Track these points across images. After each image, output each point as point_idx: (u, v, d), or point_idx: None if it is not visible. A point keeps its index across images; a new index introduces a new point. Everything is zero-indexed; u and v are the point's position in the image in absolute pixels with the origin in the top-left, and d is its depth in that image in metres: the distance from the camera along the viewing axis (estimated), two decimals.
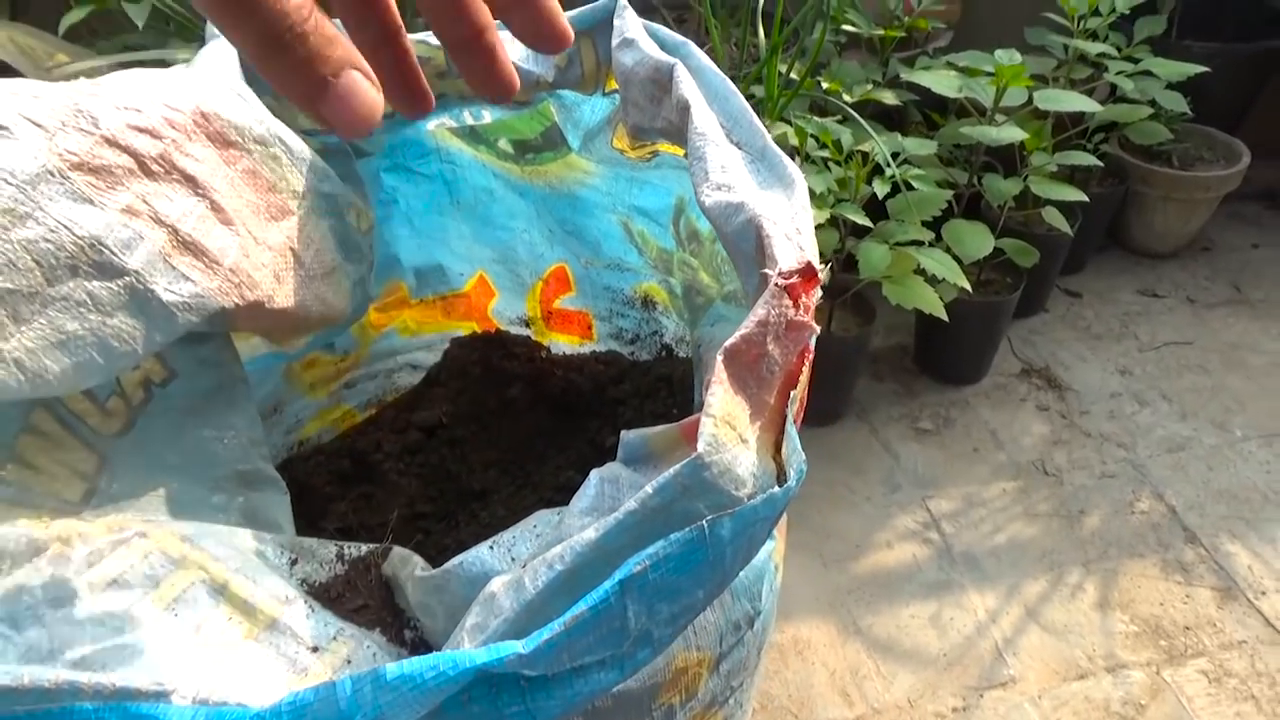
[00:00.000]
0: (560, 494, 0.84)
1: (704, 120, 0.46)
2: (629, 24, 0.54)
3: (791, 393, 0.38)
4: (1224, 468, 1.32)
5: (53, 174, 0.43)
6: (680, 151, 0.58)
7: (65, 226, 0.43)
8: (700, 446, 0.34)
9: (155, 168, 0.47)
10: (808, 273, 0.37)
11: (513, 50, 0.57)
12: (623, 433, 0.48)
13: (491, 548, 0.46)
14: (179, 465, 0.56)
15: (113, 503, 0.52)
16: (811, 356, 0.39)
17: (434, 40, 0.57)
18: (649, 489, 0.34)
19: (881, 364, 1.52)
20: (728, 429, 0.35)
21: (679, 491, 0.34)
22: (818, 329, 0.38)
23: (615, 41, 0.53)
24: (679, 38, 0.54)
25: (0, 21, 1.03)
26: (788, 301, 0.36)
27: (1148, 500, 1.28)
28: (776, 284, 0.36)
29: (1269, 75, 1.75)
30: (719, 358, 0.35)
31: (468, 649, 0.32)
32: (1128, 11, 1.42)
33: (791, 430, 0.38)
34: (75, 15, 1.05)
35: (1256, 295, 1.65)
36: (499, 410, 0.93)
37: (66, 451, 0.50)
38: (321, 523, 0.85)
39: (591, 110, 0.66)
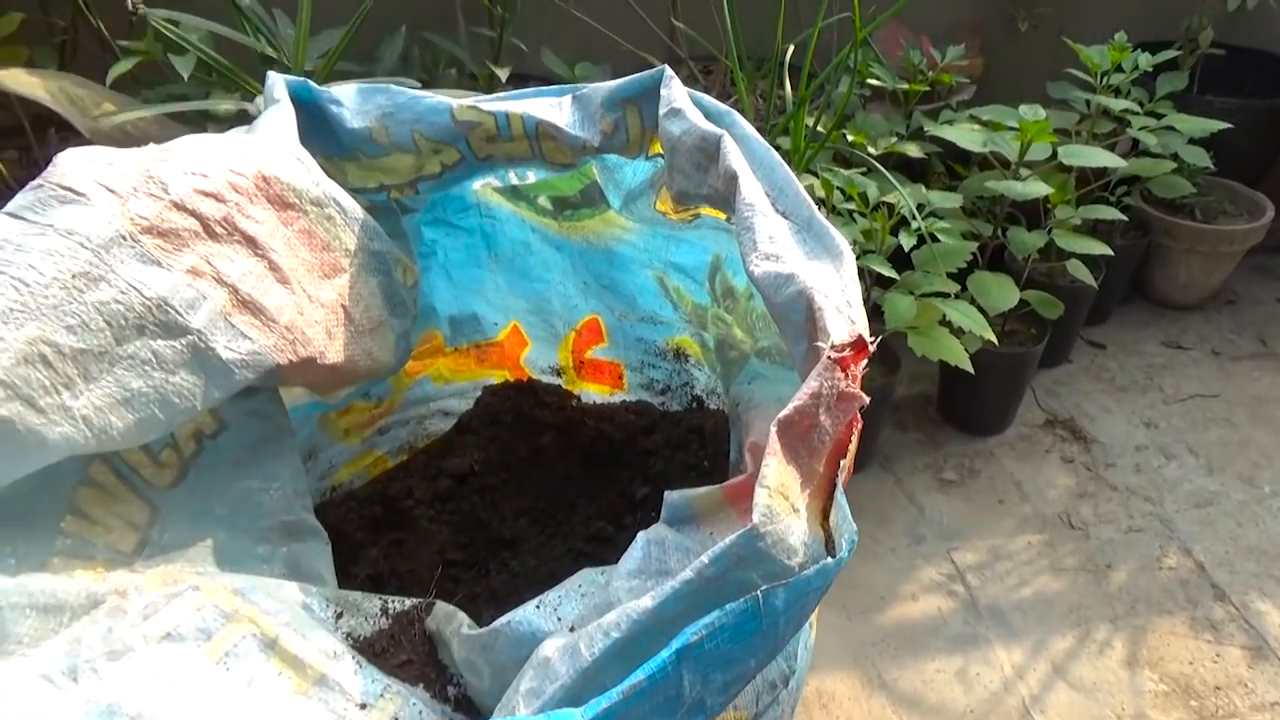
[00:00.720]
0: (590, 544, 0.85)
1: (751, 191, 0.47)
2: (676, 94, 0.55)
3: (841, 461, 0.39)
4: (1253, 524, 1.31)
5: (125, 238, 0.44)
6: (722, 215, 0.60)
7: (135, 288, 0.44)
8: (755, 518, 0.35)
9: (219, 230, 0.49)
10: (859, 345, 0.38)
11: (560, 116, 0.59)
12: (666, 494, 0.49)
13: (538, 607, 0.46)
14: (226, 516, 0.57)
15: (163, 553, 0.53)
16: (860, 425, 0.40)
17: (485, 105, 0.59)
18: (705, 559, 0.35)
19: (905, 414, 1.52)
20: (781, 499, 0.36)
21: (734, 562, 0.35)
22: (867, 400, 0.38)
23: (663, 111, 0.55)
24: (723, 106, 0.55)
25: (51, 73, 1.07)
26: (839, 374, 0.37)
27: (1175, 556, 1.27)
28: (829, 357, 0.37)
29: None
30: (773, 429, 0.36)
31: (525, 714, 0.33)
32: (1150, 69, 1.44)
33: (841, 499, 0.38)
34: (122, 66, 1.09)
35: None
36: (530, 459, 0.93)
37: (121, 503, 0.51)
38: (353, 569, 0.85)
39: (634, 173, 0.68)
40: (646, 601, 0.35)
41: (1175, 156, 1.48)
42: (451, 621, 0.50)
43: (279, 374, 0.53)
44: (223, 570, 0.54)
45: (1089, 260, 1.33)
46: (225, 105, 1.09)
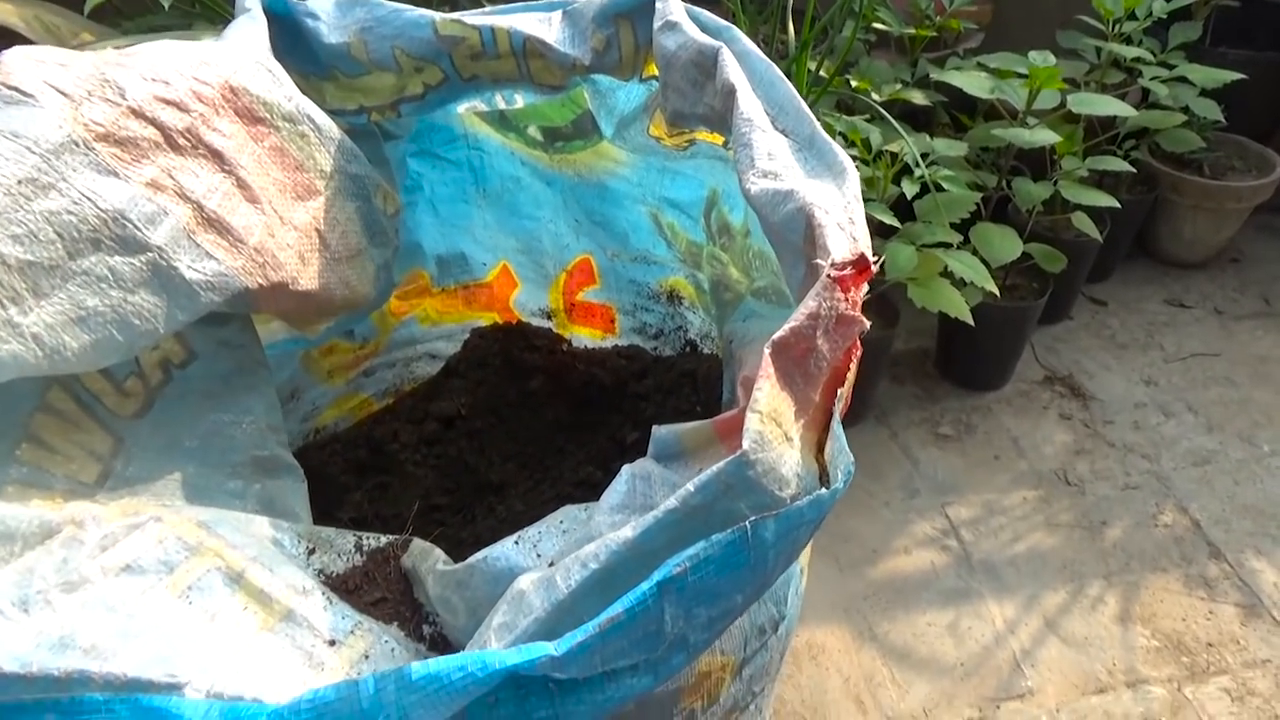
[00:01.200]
0: (579, 489, 0.83)
1: (750, 106, 0.44)
2: (672, 7, 0.52)
3: (839, 390, 0.36)
4: (1250, 482, 1.30)
5: (77, 144, 0.41)
6: (719, 140, 0.57)
7: (89, 199, 0.42)
8: (745, 443, 0.33)
9: (182, 141, 0.46)
10: (861, 264, 0.35)
11: (549, 32, 0.56)
12: (654, 428, 0.46)
13: (517, 543, 0.44)
14: (196, 450, 0.55)
15: (127, 486, 0.50)
16: (860, 353, 0.37)
17: (470, 19, 0.56)
18: (690, 486, 0.32)
19: (903, 367, 1.50)
20: (773, 426, 0.33)
21: (721, 490, 0.32)
22: (868, 324, 0.36)
23: (657, 24, 0.52)
24: (722, 22, 0.52)
25: (25, 0, 1.02)
26: (839, 294, 0.34)
27: (1171, 513, 1.26)
28: (829, 275, 0.34)
29: None
30: (766, 351, 0.34)
31: (496, 649, 0.31)
32: (1164, 16, 1.40)
33: (838, 429, 0.36)
34: None
35: None
36: (518, 403, 0.91)
37: (83, 432, 0.49)
38: (336, 512, 0.84)
39: (627, 97, 0.64)
40: (627, 532, 0.33)
41: (1186, 109, 1.44)
42: (427, 558, 0.48)
43: (248, 299, 0.50)
44: (190, 503, 0.52)
45: (1094, 215, 1.30)
46: (208, 36, 1.05)
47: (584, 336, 0.94)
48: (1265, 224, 1.81)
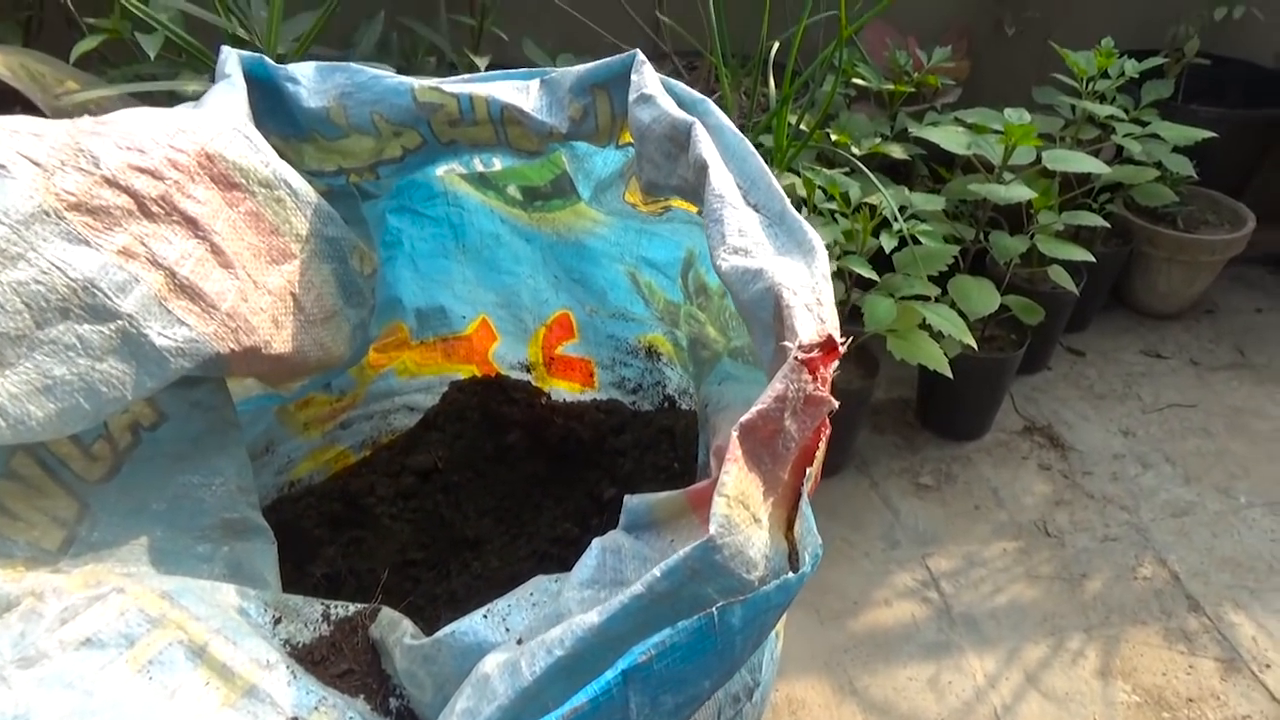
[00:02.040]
0: (556, 545, 0.82)
1: (722, 182, 0.45)
2: (647, 79, 0.53)
3: (807, 469, 0.36)
4: (1228, 535, 1.30)
5: (48, 214, 0.41)
6: (693, 209, 0.57)
7: (58, 268, 0.41)
8: (712, 529, 0.33)
9: (155, 209, 0.46)
10: (828, 346, 0.35)
11: (527, 100, 0.56)
12: (626, 498, 0.46)
13: (485, 616, 0.44)
14: (163, 513, 0.54)
15: (92, 551, 0.50)
16: (829, 432, 0.37)
17: (448, 87, 0.56)
18: (656, 572, 0.32)
19: (883, 417, 1.51)
20: (741, 509, 0.33)
21: (688, 575, 0.32)
22: (836, 405, 0.36)
23: (633, 97, 0.52)
24: (697, 95, 0.53)
25: (12, 48, 1.03)
26: (807, 376, 0.35)
27: (1150, 566, 1.26)
28: (796, 358, 0.35)
29: (1273, 141, 1.76)
30: (734, 433, 0.34)
31: None
32: (1136, 75, 1.43)
33: (807, 509, 0.36)
34: (88, 44, 1.05)
35: (1260, 360, 1.64)
36: (496, 457, 0.91)
37: (47, 498, 0.48)
38: (309, 567, 0.82)
39: (604, 162, 0.65)
40: (593, 617, 0.32)
41: (1159, 165, 1.47)
42: (395, 629, 0.48)
43: (221, 363, 0.50)
44: (159, 570, 0.52)
45: (1070, 267, 1.32)
46: (193, 86, 1.05)
47: (563, 390, 0.94)
48: (1238, 275, 1.84)
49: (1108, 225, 1.35)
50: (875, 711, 1.07)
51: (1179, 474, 1.40)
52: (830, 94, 1.25)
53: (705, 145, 0.47)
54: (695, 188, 0.47)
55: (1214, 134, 1.42)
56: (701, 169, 0.46)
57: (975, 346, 1.15)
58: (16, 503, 0.47)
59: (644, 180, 0.54)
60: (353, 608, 0.51)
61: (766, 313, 0.39)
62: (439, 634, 0.44)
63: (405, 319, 0.87)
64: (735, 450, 0.34)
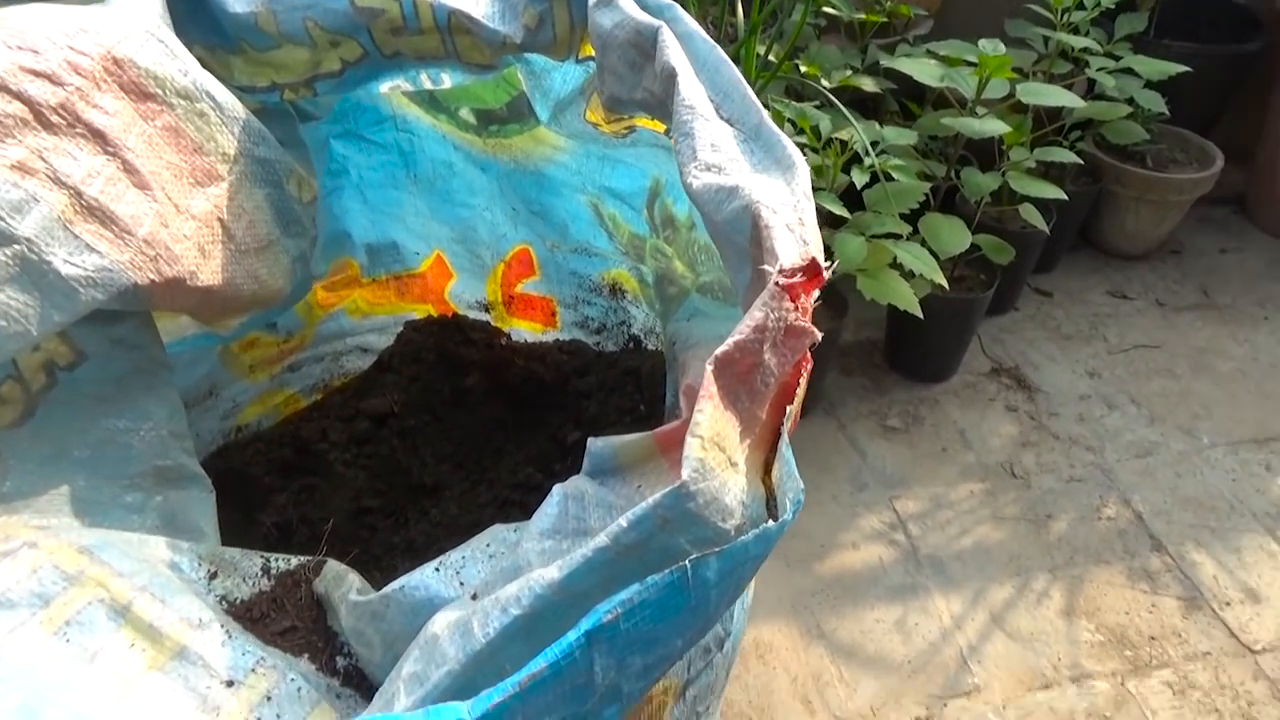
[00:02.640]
0: (518, 492, 0.79)
1: (692, 92, 0.40)
2: None
3: (788, 408, 0.33)
4: (1191, 474, 1.31)
5: None
6: (660, 128, 0.53)
7: None
8: (685, 473, 0.29)
9: (55, 119, 0.40)
10: (812, 270, 0.32)
11: (475, 6, 0.51)
12: (589, 440, 0.43)
13: (438, 569, 0.40)
14: (86, 460, 0.49)
15: (4, 503, 0.45)
16: (810, 367, 0.34)
17: None
18: (623, 522, 0.29)
19: (851, 359, 1.48)
20: (716, 451, 0.30)
21: (658, 525, 0.29)
22: (819, 336, 0.33)
23: (592, 1, 0.47)
24: (664, 0, 0.48)
25: None
26: (788, 303, 0.31)
27: (1115, 506, 1.26)
28: (777, 283, 0.31)
29: (1242, 78, 1.74)
30: (709, 368, 0.30)
31: (404, 706, 0.27)
32: (1111, 6, 1.39)
33: (787, 451, 0.33)
34: None
35: (1224, 300, 1.64)
36: (454, 400, 0.87)
37: None
38: (259, 515, 0.79)
39: (563, 79, 0.60)
40: (553, 572, 0.29)
41: (1130, 101, 1.44)
42: (341, 584, 0.44)
43: (140, 296, 0.45)
44: (82, 523, 0.47)
45: (1040, 206, 1.29)
46: None
47: (524, 330, 0.89)
48: (1204, 215, 1.83)
49: (1081, 162, 1.32)
50: (843, 654, 1.06)
51: (1144, 415, 1.41)
52: (800, 24, 1.20)
53: (673, 52, 0.42)
54: (662, 100, 0.43)
55: (1187, 69, 1.39)
56: (669, 78, 0.41)
57: (946, 286, 1.12)
58: None
59: (606, 94, 0.49)
60: (295, 560, 0.47)
61: (742, 235, 0.35)
62: (387, 589, 0.41)
63: (355, 255, 0.82)
64: (710, 386, 0.30)
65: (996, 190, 1.27)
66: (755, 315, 0.31)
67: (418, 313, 0.88)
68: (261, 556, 0.47)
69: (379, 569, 0.76)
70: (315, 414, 0.88)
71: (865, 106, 1.41)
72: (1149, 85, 1.44)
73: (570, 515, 0.38)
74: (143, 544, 0.45)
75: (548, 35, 0.51)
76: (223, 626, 0.41)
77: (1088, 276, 1.69)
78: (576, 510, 0.38)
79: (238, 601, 0.45)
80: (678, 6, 0.47)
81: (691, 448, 0.29)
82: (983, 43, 1.24)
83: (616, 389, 0.82)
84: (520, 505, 0.79)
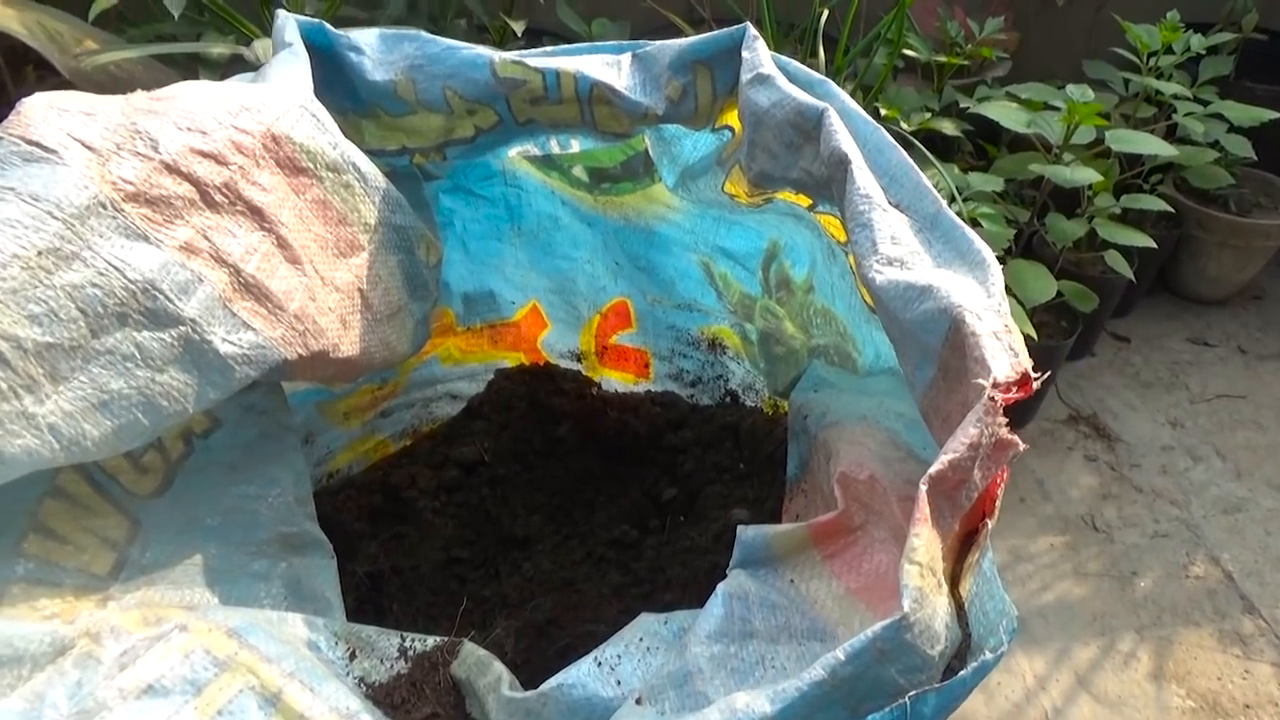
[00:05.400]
0: (613, 549, 0.78)
1: (866, 180, 0.39)
2: (761, 57, 0.47)
3: (986, 520, 0.32)
4: None
5: (105, 206, 0.36)
6: (803, 201, 0.51)
7: (116, 268, 0.36)
8: (905, 604, 0.28)
9: (219, 198, 0.40)
10: (1024, 384, 0.30)
11: (619, 78, 0.51)
12: (740, 529, 0.42)
13: (597, 664, 0.39)
14: (217, 529, 0.49)
15: (144, 575, 0.45)
16: (1007, 477, 0.32)
17: (533, 62, 0.50)
18: (840, 655, 0.27)
19: None
20: (930, 576, 0.29)
21: (875, 658, 0.28)
22: (1023, 447, 0.31)
23: (746, 77, 0.46)
24: (815, 74, 0.47)
25: (28, 4, 0.96)
26: (1001, 419, 0.30)
27: (1203, 564, 1.22)
28: (992, 399, 0.30)
29: None
30: (923, 488, 0.29)
31: None
32: (1203, 52, 1.36)
33: (990, 569, 0.31)
34: (106, 1, 0.98)
35: None
36: (545, 450, 0.86)
37: (96, 517, 0.43)
38: (350, 564, 0.78)
39: (694, 145, 0.59)
40: (762, 705, 0.28)
41: (1216, 145, 1.41)
42: (486, 673, 0.43)
43: (285, 369, 0.45)
44: (214, 593, 0.47)
45: (1124, 252, 1.26)
46: (218, 49, 0.99)
47: (615, 380, 0.88)
48: None
49: (1171, 209, 1.29)
50: None
51: (1230, 468, 1.36)
52: (887, 66, 1.19)
53: (842, 136, 0.41)
54: (821, 181, 0.42)
55: (1278, 114, 1.35)
56: (840, 163, 0.40)
57: (1035, 337, 1.10)
58: (63, 525, 0.42)
59: (755, 170, 0.48)
60: (431, 641, 0.47)
61: (935, 337, 0.34)
62: (544, 687, 0.39)
63: (451, 304, 0.81)
64: (924, 509, 0.29)
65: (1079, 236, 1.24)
66: (970, 432, 0.29)
67: (509, 361, 0.88)
68: (398, 636, 0.46)
69: (474, 625, 0.75)
70: (405, 460, 0.87)
71: (936, 148, 1.39)
72: (1233, 130, 1.41)
73: (736, 617, 0.37)
74: (282, 623, 0.44)
75: (689, 107, 0.51)
76: (370, 716, 0.40)
77: (1166, 322, 1.65)
78: (742, 611, 0.37)
79: (376, 684, 0.44)
80: (831, 83, 0.46)
81: (910, 576, 0.28)
82: (1071, 88, 1.21)
83: (713, 445, 0.80)
84: (615, 563, 0.77)
